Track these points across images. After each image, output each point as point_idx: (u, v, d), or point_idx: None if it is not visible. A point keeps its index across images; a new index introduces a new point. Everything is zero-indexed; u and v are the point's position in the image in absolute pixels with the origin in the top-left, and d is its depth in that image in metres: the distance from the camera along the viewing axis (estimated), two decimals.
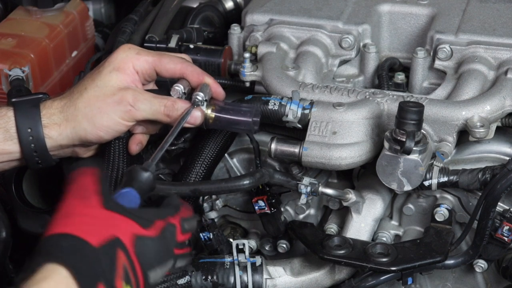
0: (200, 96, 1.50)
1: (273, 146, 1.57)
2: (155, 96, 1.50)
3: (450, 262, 1.57)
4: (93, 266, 1.13)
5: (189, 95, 1.52)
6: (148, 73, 1.52)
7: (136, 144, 1.56)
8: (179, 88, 1.51)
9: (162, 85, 1.57)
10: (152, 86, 1.57)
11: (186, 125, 1.49)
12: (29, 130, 1.47)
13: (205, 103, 1.51)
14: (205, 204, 1.75)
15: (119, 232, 1.18)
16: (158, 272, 1.24)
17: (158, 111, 1.48)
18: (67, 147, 1.52)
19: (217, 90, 1.55)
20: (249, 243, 1.70)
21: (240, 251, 1.61)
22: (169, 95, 1.51)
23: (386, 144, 1.47)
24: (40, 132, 1.47)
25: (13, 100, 1.50)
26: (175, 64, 1.52)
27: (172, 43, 1.81)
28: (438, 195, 1.64)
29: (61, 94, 1.53)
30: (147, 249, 1.21)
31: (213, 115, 1.52)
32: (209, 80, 1.54)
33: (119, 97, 1.47)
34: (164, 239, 1.25)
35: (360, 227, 1.62)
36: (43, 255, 1.12)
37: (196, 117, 1.50)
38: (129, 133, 1.56)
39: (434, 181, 1.56)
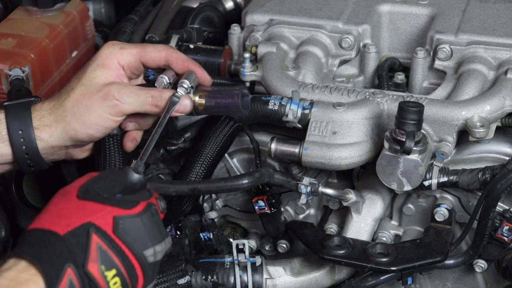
0: (185, 83, 1.49)
1: (273, 146, 1.57)
2: (140, 88, 1.49)
3: (450, 262, 1.57)
4: (58, 253, 1.15)
5: (175, 85, 1.51)
6: (134, 65, 1.51)
7: (131, 141, 1.56)
8: (163, 78, 1.51)
9: (150, 81, 1.57)
10: (140, 81, 1.57)
11: (177, 114, 1.49)
12: (20, 132, 1.47)
13: (191, 90, 1.50)
14: (205, 204, 1.76)
15: (93, 217, 1.20)
16: (158, 249, 1.25)
17: (145, 102, 1.48)
18: (60, 148, 1.52)
19: (203, 76, 1.54)
20: (249, 243, 1.70)
21: (240, 251, 1.61)
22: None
23: (386, 144, 1.47)
24: (31, 133, 1.47)
25: (5, 103, 1.50)
26: (159, 51, 1.52)
27: (172, 43, 1.81)
28: (438, 195, 1.64)
29: (51, 96, 1.53)
30: (133, 227, 1.22)
31: (202, 101, 1.51)
32: (194, 66, 1.53)
33: (104, 92, 1.47)
34: (152, 216, 1.26)
35: (360, 227, 1.62)
36: (12, 252, 1.16)
37: (185, 105, 1.49)
38: (122, 131, 1.56)
39: (434, 181, 1.56)
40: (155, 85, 1.51)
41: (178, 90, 1.49)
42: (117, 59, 1.49)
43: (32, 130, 1.47)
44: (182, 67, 1.52)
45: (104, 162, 1.57)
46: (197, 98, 1.51)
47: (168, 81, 1.51)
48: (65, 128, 1.48)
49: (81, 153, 1.56)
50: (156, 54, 1.51)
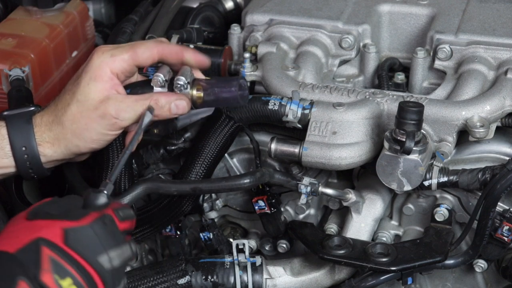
0: (181, 80, 1.48)
1: (273, 146, 1.57)
2: (136, 99, 1.47)
3: (450, 262, 1.57)
4: (9, 270, 1.14)
5: (171, 80, 1.50)
6: (128, 70, 1.48)
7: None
8: (158, 77, 1.49)
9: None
10: (136, 77, 1.55)
11: (177, 115, 1.48)
12: (23, 149, 1.46)
13: (188, 86, 1.49)
14: (205, 204, 1.76)
15: (43, 232, 1.19)
16: (113, 255, 1.23)
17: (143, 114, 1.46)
18: (62, 160, 1.53)
19: (199, 59, 1.52)
20: (249, 243, 1.70)
21: (240, 251, 1.61)
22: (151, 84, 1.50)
23: (386, 144, 1.47)
24: (35, 150, 1.47)
25: (5, 113, 1.49)
26: (151, 50, 1.48)
27: (172, 43, 1.81)
28: (438, 195, 1.64)
29: (48, 104, 1.52)
30: (83, 237, 1.21)
31: (200, 94, 1.50)
32: (187, 53, 1.51)
33: (101, 111, 1.45)
34: (105, 225, 1.24)
35: (360, 227, 1.62)
36: None
37: (183, 107, 1.48)
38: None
39: (434, 181, 1.56)
40: (151, 84, 1.49)
41: (174, 88, 1.48)
42: (109, 68, 1.46)
43: (36, 147, 1.47)
44: (177, 58, 1.50)
45: (107, 163, 1.57)
46: (194, 92, 1.50)
47: (164, 79, 1.49)
48: (67, 146, 1.48)
49: (81, 158, 1.56)
50: (148, 53, 1.48)
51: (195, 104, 1.51)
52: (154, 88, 1.49)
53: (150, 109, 1.46)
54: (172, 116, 1.49)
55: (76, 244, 1.20)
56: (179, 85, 1.48)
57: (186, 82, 1.48)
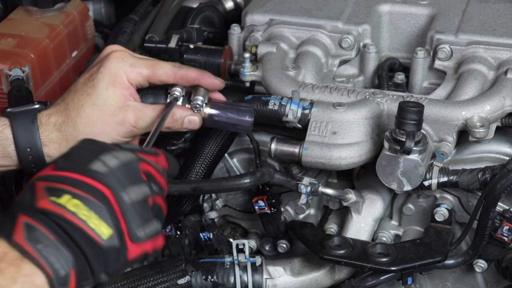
0: (199, 100, 1.50)
1: (273, 146, 1.57)
2: (154, 109, 1.48)
3: (450, 262, 1.57)
4: (11, 211, 1.13)
5: (186, 95, 1.52)
6: (142, 84, 1.49)
7: (136, 141, 1.56)
8: (175, 92, 1.50)
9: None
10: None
11: (186, 130, 1.51)
12: (28, 150, 1.45)
13: (204, 105, 1.52)
14: (205, 204, 1.76)
15: (39, 173, 1.18)
16: (106, 159, 1.19)
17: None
18: None
19: (215, 83, 1.53)
20: (249, 243, 1.70)
21: (240, 251, 1.61)
22: (166, 94, 1.51)
23: (386, 144, 1.47)
24: (40, 151, 1.46)
25: (8, 110, 1.47)
26: (169, 75, 1.49)
27: (172, 43, 1.81)
28: (438, 195, 1.64)
29: (55, 103, 1.51)
30: (74, 155, 1.20)
31: (213, 111, 1.53)
32: (205, 81, 1.52)
33: (120, 118, 1.45)
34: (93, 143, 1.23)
35: (360, 227, 1.62)
36: None
37: (195, 123, 1.50)
38: None
39: (434, 181, 1.56)
40: (168, 99, 1.50)
41: (191, 107, 1.50)
42: (127, 77, 1.46)
43: (41, 148, 1.45)
44: (193, 83, 1.52)
45: None
46: (207, 110, 1.52)
47: (180, 94, 1.51)
48: None
49: None
50: (165, 77, 1.49)
51: (204, 121, 1.53)
52: (169, 96, 1.51)
53: (173, 100, 1.49)
54: (183, 129, 1.51)
55: (66, 165, 1.17)
56: (198, 106, 1.50)
57: (202, 101, 1.51)
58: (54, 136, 1.46)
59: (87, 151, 1.21)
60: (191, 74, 1.51)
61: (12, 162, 1.47)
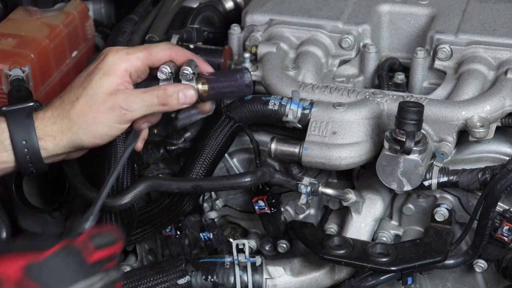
0: (187, 70, 1.51)
1: (273, 146, 1.57)
2: (145, 90, 1.50)
3: (450, 262, 1.57)
4: None
5: (176, 75, 1.53)
6: (141, 69, 1.51)
7: (141, 141, 1.57)
8: (165, 69, 1.51)
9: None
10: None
11: (185, 105, 1.51)
12: (24, 143, 1.47)
13: (194, 77, 1.52)
14: (205, 204, 1.76)
15: (2, 271, 1.19)
16: (81, 286, 1.22)
17: (152, 104, 1.49)
18: (62, 155, 1.53)
19: (204, 66, 1.57)
20: (249, 243, 1.70)
21: (240, 251, 1.61)
22: (157, 79, 1.52)
23: (386, 144, 1.47)
24: (35, 144, 1.47)
25: (4, 109, 1.49)
26: (164, 51, 1.53)
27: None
28: (438, 195, 1.64)
29: (51, 101, 1.52)
30: (47, 271, 1.21)
31: (205, 87, 1.53)
32: (195, 57, 1.55)
33: (111, 103, 1.47)
34: (68, 257, 1.24)
35: (360, 227, 1.62)
36: None
37: (190, 95, 1.51)
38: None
39: (434, 181, 1.56)
40: (157, 75, 1.52)
41: (180, 77, 1.51)
42: (124, 65, 1.49)
43: (36, 141, 1.47)
44: (185, 60, 1.54)
45: (110, 161, 1.57)
46: (200, 86, 1.53)
47: (169, 71, 1.52)
48: (71, 138, 1.49)
49: (79, 154, 1.57)
50: (161, 54, 1.52)
51: (201, 97, 1.53)
52: (160, 81, 1.52)
53: (136, 132, 1.52)
54: (181, 106, 1.51)
55: (40, 277, 1.20)
56: (185, 74, 1.51)
57: (191, 72, 1.51)
58: (49, 129, 1.48)
59: (60, 269, 1.23)
60: (184, 52, 1.55)
61: (9, 158, 1.48)
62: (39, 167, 1.50)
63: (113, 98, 1.47)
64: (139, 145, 1.57)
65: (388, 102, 1.57)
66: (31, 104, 1.51)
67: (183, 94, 1.50)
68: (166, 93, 1.49)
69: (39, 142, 1.47)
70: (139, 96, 1.48)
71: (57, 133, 1.48)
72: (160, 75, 1.52)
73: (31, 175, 1.52)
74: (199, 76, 1.54)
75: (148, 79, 1.54)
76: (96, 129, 1.48)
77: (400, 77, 1.77)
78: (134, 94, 1.49)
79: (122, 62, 1.49)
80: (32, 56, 1.84)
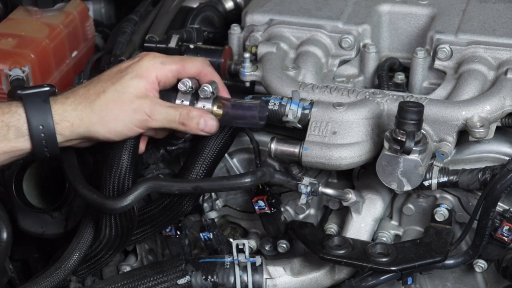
0: (207, 87, 1.54)
1: (273, 146, 1.57)
2: (171, 105, 1.53)
3: (450, 262, 1.57)
4: None
5: (196, 91, 1.56)
6: (170, 81, 1.55)
7: (143, 143, 1.59)
8: (187, 82, 1.54)
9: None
10: None
11: (202, 133, 1.53)
12: (41, 127, 1.47)
13: (212, 97, 1.54)
14: (205, 204, 1.76)
15: None
16: None
17: (174, 120, 1.51)
18: (74, 141, 1.53)
19: (223, 91, 1.60)
20: (249, 243, 1.70)
21: (240, 251, 1.61)
22: (175, 90, 1.55)
23: (386, 144, 1.47)
24: (52, 129, 1.48)
25: (20, 92, 1.49)
26: (196, 68, 1.56)
27: (172, 43, 1.82)
28: (438, 195, 1.64)
29: (74, 88, 1.53)
30: None
31: (220, 111, 1.55)
32: (218, 80, 1.58)
33: (136, 105, 1.49)
34: None
35: (360, 227, 1.62)
36: None
37: (211, 125, 1.54)
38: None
39: (434, 181, 1.56)
40: (178, 86, 1.54)
41: (199, 92, 1.54)
42: (156, 73, 1.52)
43: (53, 126, 1.47)
44: (208, 80, 1.58)
45: (113, 160, 1.57)
46: (215, 108, 1.55)
47: (190, 85, 1.54)
48: (88, 128, 1.50)
49: (88, 145, 1.57)
50: (194, 70, 1.56)
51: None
52: (178, 92, 1.54)
53: None
54: (198, 132, 1.53)
55: None
56: (204, 89, 1.54)
57: (211, 91, 1.54)
58: (68, 115, 1.49)
59: None
60: (215, 74, 1.58)
61: (25, 144, 1.48)
62: (53, 152, 1.50)
63: (140, 101, 1.49)
64: (142, 147, 1.59)
65: (388, 102, 1.57)
66: (47, 88, 1.51)
67: (204, 121, 1.53)
68: (189, 114, 1.52)
69: (56, 127, 1.48)
70: (165, 108, 1.51)
71: (75, 119, 1.49)
72: (180, 86, 1.54)
73: (45, 159, 1.53)
74: (216, 98, 1.56)
75: (164, 91, 1.55)
76: (116, 125, 1.49)
77: (400, 77, 1.77)
78: (160, 104, 1.51)
79: (155, 70, 1.52)
80: (32, 56, 1.84)
